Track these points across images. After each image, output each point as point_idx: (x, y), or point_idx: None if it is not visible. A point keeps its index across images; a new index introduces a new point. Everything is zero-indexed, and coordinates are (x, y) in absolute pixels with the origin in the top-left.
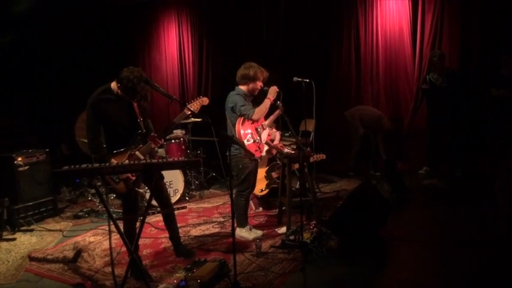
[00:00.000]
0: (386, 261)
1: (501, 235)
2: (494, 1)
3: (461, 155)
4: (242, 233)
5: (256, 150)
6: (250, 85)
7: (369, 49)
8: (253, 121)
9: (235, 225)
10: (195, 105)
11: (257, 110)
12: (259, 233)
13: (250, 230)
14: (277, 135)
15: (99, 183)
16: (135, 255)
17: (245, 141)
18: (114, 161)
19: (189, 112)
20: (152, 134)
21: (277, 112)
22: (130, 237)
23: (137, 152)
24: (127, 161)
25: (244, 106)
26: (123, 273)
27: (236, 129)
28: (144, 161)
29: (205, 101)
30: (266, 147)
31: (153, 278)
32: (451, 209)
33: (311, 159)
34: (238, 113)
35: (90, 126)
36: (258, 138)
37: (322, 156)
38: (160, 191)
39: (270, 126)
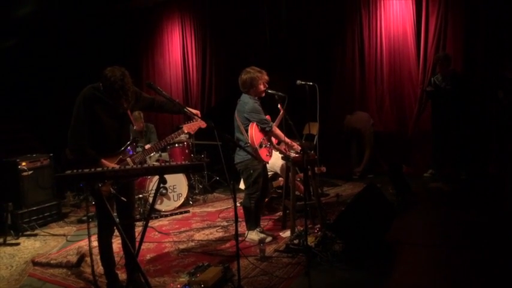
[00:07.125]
0: (391, 265)
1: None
2: (499, 3)
3: (466, 158)
4: (251, 235)
5: (267, 155)
6: (253, 90)
7: (373, 52)
8: (267, 132)
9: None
10: (192, 127)
11: (277, 129)
12: (268, 238)
13: (260, 232)
14: None
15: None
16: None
17: (257, 147)
18: (106, 163)
19: (183, 133)
20: (146, 146)
21: (280, 114)
22: (109, 259)
23: (128, 159)
24: (116, 166)
25: (262, 117)
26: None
27: (249, 134)
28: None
29: (203, 125)
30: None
31: None
32: (456, 212)
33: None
34: (256, 122)
35: (79, 124)
36: (269, 143)
37: (323, 169)
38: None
39: None
